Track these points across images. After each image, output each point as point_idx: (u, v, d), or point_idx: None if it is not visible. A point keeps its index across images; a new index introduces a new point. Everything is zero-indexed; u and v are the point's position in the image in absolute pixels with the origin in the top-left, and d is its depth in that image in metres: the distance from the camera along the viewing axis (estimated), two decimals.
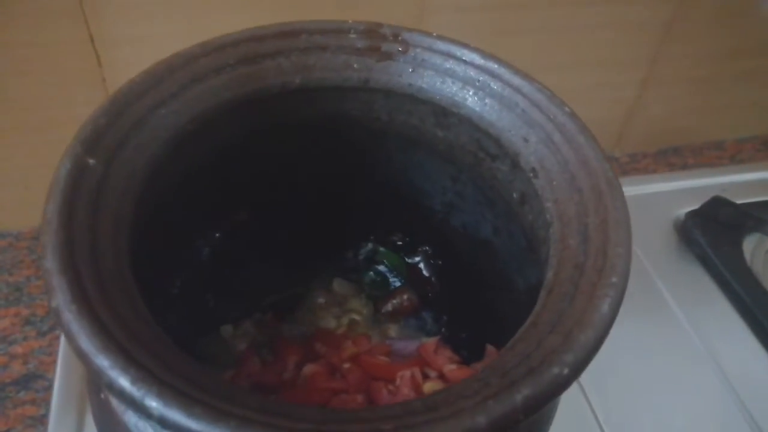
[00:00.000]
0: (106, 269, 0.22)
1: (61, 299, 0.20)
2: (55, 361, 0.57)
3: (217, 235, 0.38)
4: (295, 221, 0.39)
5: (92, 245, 0.23)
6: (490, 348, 0.37)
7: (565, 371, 0.20)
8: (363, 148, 0.37)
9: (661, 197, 0.55)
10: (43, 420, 0.55)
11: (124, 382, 0.19)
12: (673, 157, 0.73)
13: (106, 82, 0.53)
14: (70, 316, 0.20)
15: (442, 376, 0.36)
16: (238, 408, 0.19)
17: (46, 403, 0.56)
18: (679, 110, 0.71)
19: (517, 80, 0.30)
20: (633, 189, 0.56)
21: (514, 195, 0.31)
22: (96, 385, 0.26)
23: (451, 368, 0.35)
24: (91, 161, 0.25)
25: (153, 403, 0.19)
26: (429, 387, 0.34)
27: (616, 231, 0.25)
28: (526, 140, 0.29)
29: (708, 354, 0.47)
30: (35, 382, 0.57)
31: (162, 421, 0.18)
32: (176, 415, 0.18)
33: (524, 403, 0.19)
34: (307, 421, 0.19)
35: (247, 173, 0.36)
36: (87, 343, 0.19)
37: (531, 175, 0.29)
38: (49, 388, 0.57)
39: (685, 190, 0.54)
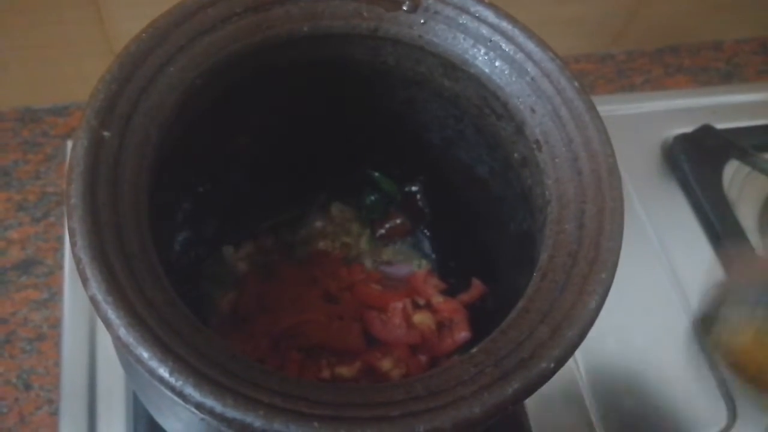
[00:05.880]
0: (132, 251, 0.23)
1: (97, 289, 0.22)
2: (53, 248, 0.60)
3: (218, 162, 0.38)
4: (294, 148, 0.40)
5: (116, 224, 0.24)
6: (475, 282, 0.40)
7: (552, 365, 0.23)
8: (367, 82, 0.36)
9: (653, 117, 0.56)
10: (46, 304, 0.58)
11: (163, 372, 0.21)
12: (670, 57, 0.73)
13: None
14: (107, 307, 0.21)
15: (430, 306, 0.39)
16: (265, 395, 0.21)
17: (48, 287, 0.59)
18: (681, 9, 0.70)
19: (529, 45, 0.30)
20: (626, 108, 0.57)
21: (516, 155, 0.32)
22: None
23: (438, 300, 0.38)
24: (106, 134, 0.25)
25: (190, 392, 0.21)
26: (418, 319, 0.37)
27: (611, 222, 0.26)
28: (533, 110, 0.30)
29: (674, 277, 0.51)
30: (35, 267, 0.59)
31: (198, 407, 0.21)
32: (211, 404, 0.21)
33: (514, 395, 0.22)
34: (326, 406, 0.22)
35: (250, 104, 0.35)
36: (126, 334, 0.21)
37: (534, 146, 0.30)
38: (49, 274, 0.59)
39: (676, 111, 0.56)
